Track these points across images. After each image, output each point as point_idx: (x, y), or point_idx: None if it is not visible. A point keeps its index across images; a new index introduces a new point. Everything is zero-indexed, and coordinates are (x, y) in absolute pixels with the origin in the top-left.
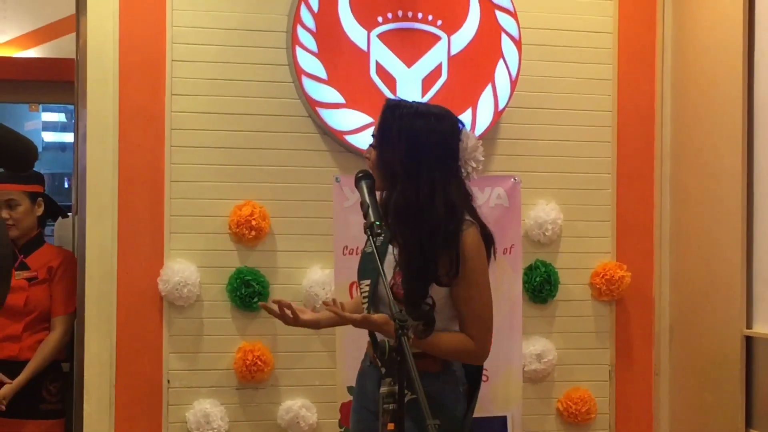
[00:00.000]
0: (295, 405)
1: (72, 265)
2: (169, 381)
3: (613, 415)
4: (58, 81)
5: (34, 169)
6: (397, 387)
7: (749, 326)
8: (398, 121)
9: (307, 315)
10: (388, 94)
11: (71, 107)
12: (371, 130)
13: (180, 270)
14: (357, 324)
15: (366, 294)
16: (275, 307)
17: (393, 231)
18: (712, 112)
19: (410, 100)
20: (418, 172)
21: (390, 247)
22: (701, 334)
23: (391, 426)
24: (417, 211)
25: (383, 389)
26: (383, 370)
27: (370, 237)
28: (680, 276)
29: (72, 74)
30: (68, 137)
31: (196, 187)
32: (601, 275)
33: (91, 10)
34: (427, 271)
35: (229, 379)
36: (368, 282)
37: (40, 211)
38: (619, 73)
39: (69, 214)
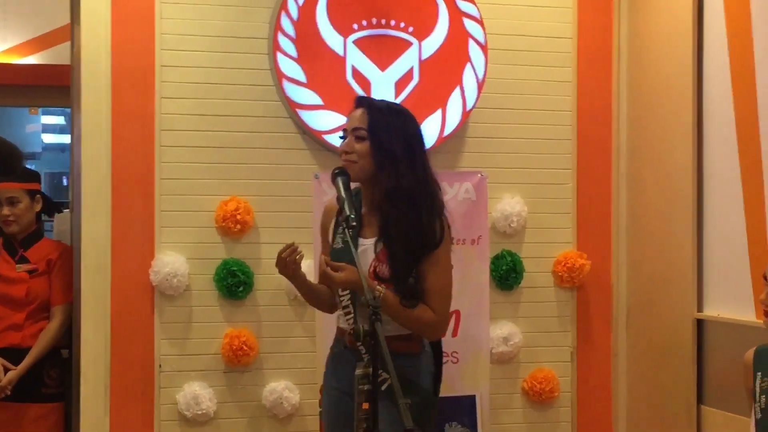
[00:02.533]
0: (278, 387)
1: (69, 258)
2: (160, 365)
3: (574, 393)
4: (55, 86)
5: (34, 169)
6: (371, 369)
7: (700, 310)
8: (387, 114)
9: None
10: None
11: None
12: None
13: (170, 262)
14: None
15: None
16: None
17: (387, 213)
18: (665, 111)
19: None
20: (414, 156)
21: (360, 239)
22: (656, 317)
23: (366, 406)
24: (417, 188)
25: (358, 371)
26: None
27: (346, 229)
28: (636, 264)
29: (69, 79)
30: (67, 139)
31: (185, 184)
32: (562, 263)
33: (85, 19)
34: (424, 241)
35: (216, 363)
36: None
37: (38, 207)
38: (579, 75)
39: (64, 209)
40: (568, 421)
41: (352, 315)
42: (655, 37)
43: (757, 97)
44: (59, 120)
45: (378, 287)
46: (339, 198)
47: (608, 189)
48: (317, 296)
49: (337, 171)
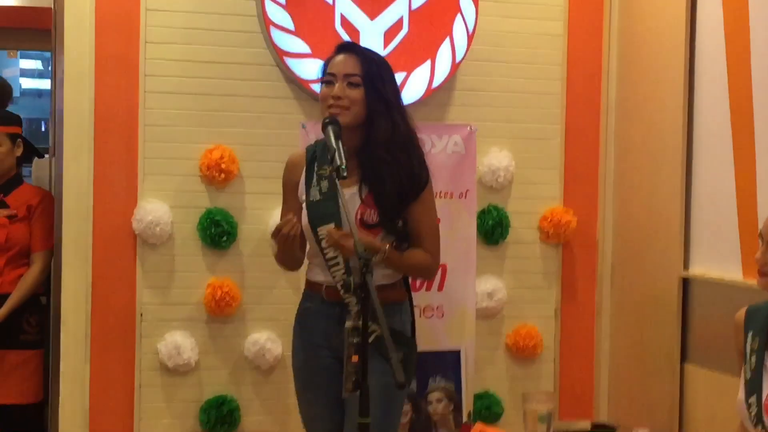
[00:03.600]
0: (261, 338)
1: (50, 204)
2: (142, 314)
3: (557, 350)
4: (35, 29)
5: (12, 111)
6: (360, 322)
7: (686, 268)
8: (378, 62)
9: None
10: None
11: (48, 54)
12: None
13: (153, 209)
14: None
15: None
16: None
17: (380, 159)
18: (656, 67)
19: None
20: (402, 104)
21: (339, 189)
22: (641, 275)
23: (355, 358)
24: (409, 134)
25: (348, 324)
26: (354, 307)
27: (336, 180)
28: (622, 221)
29: (49, 22)
30: (45, 84)
31: (169, 131)
32: (549, 219)
33: None
34: (414, 184)
35: (199, 312)
36: (332, 225)
37: (19, 151)
38: (569, 29)
39: (45, 155)
40: (550, 378)
41: (340, 267)
42: None
43: (750, 52)
44: (37, 64)
45: (382, 246)
46: (329, 148)
47: (596, 145)
48: (293, 255)
49: (327, 120)
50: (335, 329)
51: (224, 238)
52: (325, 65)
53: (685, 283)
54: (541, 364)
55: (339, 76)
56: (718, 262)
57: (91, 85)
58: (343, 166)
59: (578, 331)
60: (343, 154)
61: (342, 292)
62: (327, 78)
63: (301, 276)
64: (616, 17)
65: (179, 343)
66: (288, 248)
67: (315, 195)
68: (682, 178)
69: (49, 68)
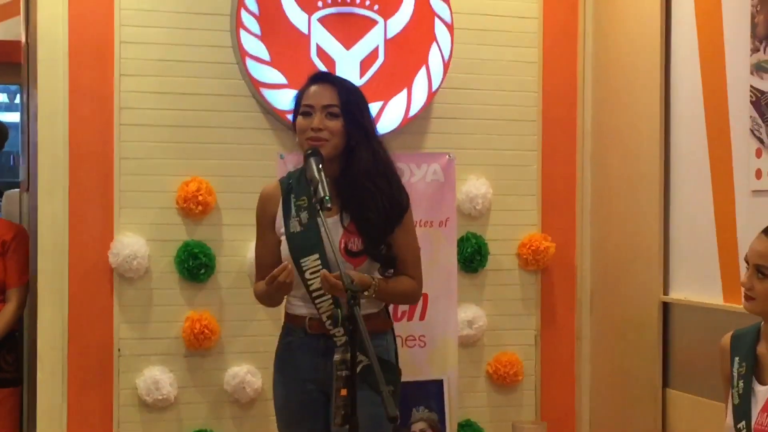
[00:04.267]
0: (241, 371)
1: (24, 239)
2: (119, 349)
3: (538, 377)
4: (4, 62)
5: None
6: (349, 354)
7: (666, 293)
8: (353, 91)
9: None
10: None
11: (13, 88)
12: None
13: (130, 243)
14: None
15: (318, 267)
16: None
17: (362, 188)
18: (632, 93)
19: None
20: (377, 131)
21: (320, 220)
22: (621, 300)
23: (344, 392)
24: (389, 161)
25: (337, 357)
26: (340, 339)
27: (319, 211)
28: (601, 246)
29: (17, 56)
30: (11, 117)
31: (145, 163)
32: (527, 246)
33: None
34: (397, 210)
35: (177, 346)
36: (316, 256)
37: None
38: (544, 56)
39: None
40: (531, 405)
41: (327, 298)
42: (622, 17)
43: (726, 77)
44: (3, 98)
45: (372, 281)
46: (312, 179)
47: (573, 171)
48: (280, 297)
49: (310, 152)
50: (321, 362)
51: (202, 271)
52: (300, 95)
53: (666, 307)
54: (523, 392)
55: (317, 108)
56: (699, 286)
57: (65, 118)
58: (327, 197)
59: (559, 358)
60: (326, 186)
61: (329, 324)
62: (304, 109)
63: (280, 307)
64: (590, 43)
65: (158, 377)
66: (282, 294)
67: (295, 226)
68: (660, 202)
69: (15, 101)
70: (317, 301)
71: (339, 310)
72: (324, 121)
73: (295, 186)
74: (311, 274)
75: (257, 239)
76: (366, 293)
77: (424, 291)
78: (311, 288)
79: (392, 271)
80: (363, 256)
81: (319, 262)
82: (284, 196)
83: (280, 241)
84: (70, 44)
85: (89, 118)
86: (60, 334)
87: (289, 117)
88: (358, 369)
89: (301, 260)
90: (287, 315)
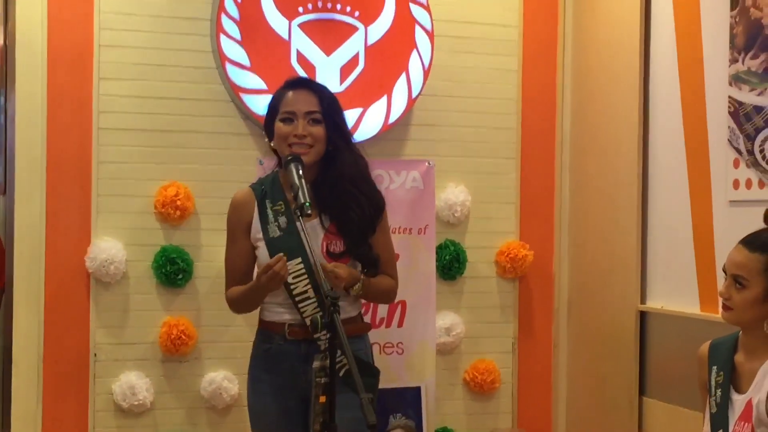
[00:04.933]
0: (217, 377)
1: (1, 244)
2: (95, 354)
3: (515, 384)
4: None
5: None
6: (328, 361)
7: (643, 302)
8: (332, 96)
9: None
10: None
11: None
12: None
13: (107, 248)
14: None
15: (301, 270)
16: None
17: (343, 191)
18: (610, 102)
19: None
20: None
21: (299, 224)
22: (598, 309)
23: (322, 399)
24: (367, 165)
25: (316, 363)
26: (325, 344)
27: (300, 217)
28: (579, 255)
29: None
30: None
31: (123, 168)
32: (505, 254)
33: None
34: (376, 210)
35: (154, 352)
36: (299, 260)
37: None
38: (524, 64)
39: None
40: (508, 412)
41: (311, 301)
42: (602, 26)
43: (704, 87)
44: None
45: (361, 278)
46: (293, 185)
47: (551, 179)
48: (263, 294)
49: (290, 157)
50: (302, 368)
51: (180, 276)
52: (276, 101)
53: (643, 316)
54: (500, 399)
55: (299, 114)
56: (676, 295)
57: (43, 122)
58: (308, 203)
59: (536, 366)
60: (306, 192)
61: (312, 330)
62: (285, 116)
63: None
64: (569, 52)
65: (134, 383)
66: (270, 290)
67: (274, 231)
68: (638, 211)
69: None
70: (301, 305)
71: (318, 317)
72: (307, 127)
73: (269, 191)
74: (294, 278)
75: (228, 246)
76: (354, 288)
77: (402, 298)
78: (294, 292)
79: (374, 270)
80: (345, 258)
81: (302, 265)
82: (259, 202)
83: (253, 248)
84: (49, 47)
85: (67, 122)
86: (36, 339)
87: None
88: (341, 373)
89: (288, 262)
90: (263, 322)
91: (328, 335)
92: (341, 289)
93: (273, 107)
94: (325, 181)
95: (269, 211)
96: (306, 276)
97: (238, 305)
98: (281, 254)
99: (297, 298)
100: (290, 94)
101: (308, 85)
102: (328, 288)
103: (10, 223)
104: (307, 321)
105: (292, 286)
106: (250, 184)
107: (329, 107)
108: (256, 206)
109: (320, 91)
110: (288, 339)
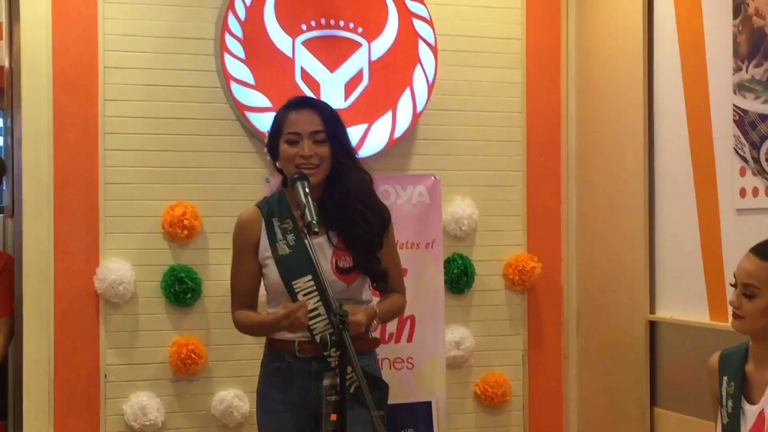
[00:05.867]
0: (228, 395)
1: (12, 268)
2: (106, 375)
3: (526, 397)
4: None
5: None
6: (338, 379)
7: (652, 312)
8: (334, 113)
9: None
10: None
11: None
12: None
13: (115, 269)
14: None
15: (311, 288)
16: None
17: (350, 208)
18: (615, 112)
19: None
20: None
21: (307, 242)
22: (607, 319)
23: (334, 417)
24: (371, 180)
25: (326, 381)
26: (335, 360)
27: (307, 235)
28: (587, 266)
29: (0, 81)
30: None
31: (130, 188)
32: (513, 266)
33: (24, 18)
34: (383, 226)
35: (164, 372)
36: (309, 278)
37: None
38: (528, 76)
39: None
40: (520, 425)
41: (322, 318)
42: (605, 37)
43: (709, 96)
44: None
45: (375, 310)
46: (300, 203)
47: (558, 191)
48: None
49: (297, 176)
50: (312, 385)
51: (188, 295)
52: (281, 122)
53: (652, 326)
54: (511, 412)
55: (304, 135)
56: (685, 304)
57: (50, 143)
58: (315, 221)
59: (546, 378)
60: (313, 210)
61: (321, 348)
62: (290, 137)
63: None
64: (573, 64)
65: (145, 403)
66: (290, 331)
67: (283, 249)
68: (645, 221)
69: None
70: (311, 322)
71: (328, 335)
72: (314, 147)
73: (276, 209)
74: (304, 295)
75: (234, 265)
76: (374, 323)
77: (411, 313)
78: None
79: (383, 284)
80: (354, 273)
81: (312, 283)
82: (266, 220)
83: (260, 267)
84: (54, 69)
85: (73, 144)
86: (46, 361)
87: None
88: (351, 389)
89: (293, 282)
90: (271, 340)
91: (338, 353)
92: (363, 331)
93: (276, 128)
94: (331, 198)
95: (277, 229)
96: (316, 293)
97: (248, 331)
98: (305, 301)
99: (308, 315)
100: (293, 114)
101: (310, 104)
102: (337, 305)
103: (18, 246)
104: (317, 338)
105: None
106: (255, 203)
107: (332, 125)
108: (263, 225)
109: (322, 110)
110: (298, 357)
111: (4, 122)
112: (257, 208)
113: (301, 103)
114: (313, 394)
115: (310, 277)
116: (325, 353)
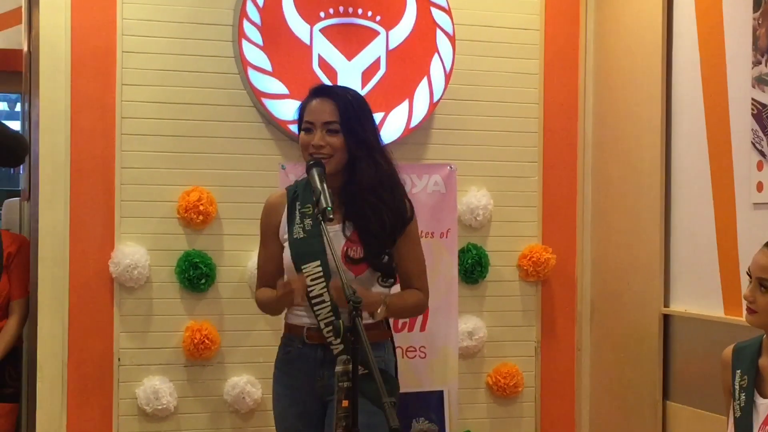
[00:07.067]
0: (240, 381)
1: (28, 250)
2: (119, 359)
3: (538, 388)
4: (4, 71)
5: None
6: (351, 366)
7: (666, 305)
8: (354, 103)
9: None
10: None
11: (14, 96)
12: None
13: (130, 253)
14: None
15: (319, 274)
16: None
17: (364, 201)
18: (633, 105)
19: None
20: (381, 142)
21: (322, 227)
22: (621, 312)
23: (345, 403)
24: (391, 172)
25: (338, 368)
26: (336, 348)
27: (322, 221)
28: (601, 258)
29: (19, 65)
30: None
31: (146, 173)
32: (528, 257)
33: (43, 2)
34: (400, 220)
35: (177, 357)
36: (317, 263)
37: None
38: (545, 67)
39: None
40: (531, 416)
41: (326, 305)
42: (623, 29)
43: (727, 90)
44: (2, 106)
45: (383, 297)
46: (315, 189)
47: (573, 182)
48: (283, 304)
49: (312, 162)
50: (319, 372)
51: (203, 281)
52: (302, 109)
53: (666, 319)
54: (522, 403)
55: (317, 124)
56: (699, 298)
57: (67, 128)
58: (329, 208)
59: (558, 369)
60: (328, 197)
61: (327, 333)
62: (306, 125)
63: (280, 318)
64: (591, 55)
65: (157, 387)
66: (286, 304)
67: (299, 233)
68: (661, 214)
69: (15, 109)
70: (316, 308)
71: (341, 322)
72: (325, 137)
73: (300, 193)
74: (312, 280)
75: (260, 247)
76: (378, 311)
77: None
78: (311, 294)
79: (392, 280)
80: (364, 264)
81: (320, 268)
82: (290, 203)
83: (283, 249)
84: (72, 53)
85: (91, 128)
86: (60, 344)
87: (291, 128)
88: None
89: (303, 266)
90: (287, 325)
91: (351, 339)
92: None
93: (299, 115)
94: (348, 189)
95: (297, 213)
96: (323, 279)
97: (263, 307)
98: (303, 276)
99: (313, 301)
100: (312, 103)
101: (328, 92)
102: (351, 292)
103: (34, 229)
104: (322, 324)
105: (309, 289)
106: (286, 186)
107: (348, 116)
108: (286, 207)
109: (340, 99)
110: (306, 343)
111: (22, 106)
112: (285, 191)
113: (322, 91)
114: (319, 381)
115: (318, 262)
116: (328, 341)
